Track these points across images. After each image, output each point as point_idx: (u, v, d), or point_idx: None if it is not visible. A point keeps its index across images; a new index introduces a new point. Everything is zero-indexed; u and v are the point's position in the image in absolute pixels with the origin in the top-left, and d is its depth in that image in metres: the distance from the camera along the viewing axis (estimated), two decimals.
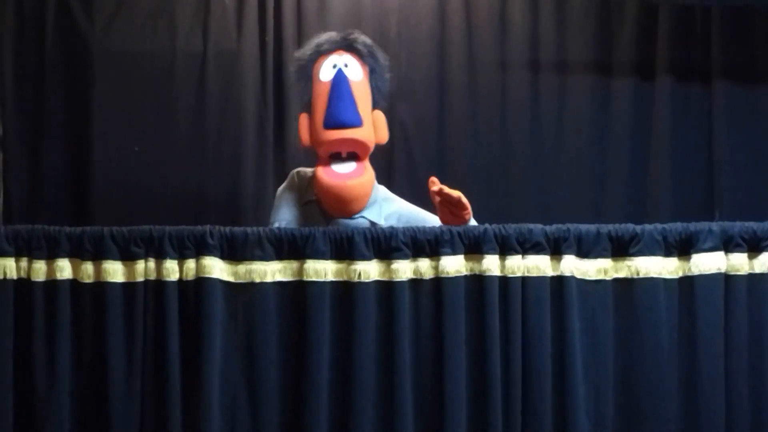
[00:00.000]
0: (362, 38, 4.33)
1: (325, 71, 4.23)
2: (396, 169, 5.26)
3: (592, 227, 4.08)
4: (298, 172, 4.43)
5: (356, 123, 4.17)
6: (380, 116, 4.29)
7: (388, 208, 4.36)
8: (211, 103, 5.27)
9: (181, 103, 5.26)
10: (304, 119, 4.26)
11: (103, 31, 5.25)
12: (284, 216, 4.30)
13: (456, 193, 4.16)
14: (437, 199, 4.19)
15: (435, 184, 4.16)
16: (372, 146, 4.24)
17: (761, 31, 5.36)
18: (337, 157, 4.20)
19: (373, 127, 4.24)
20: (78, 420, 3.92)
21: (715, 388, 4.03)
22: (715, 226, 4.09)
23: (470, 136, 5.35)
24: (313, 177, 4.31)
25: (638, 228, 4.08)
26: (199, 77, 5.27)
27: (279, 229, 4.03)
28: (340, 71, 4.21)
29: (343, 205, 4.21)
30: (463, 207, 4.16)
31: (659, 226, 4.10)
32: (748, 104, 5.36)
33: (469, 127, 5.35)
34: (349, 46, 4.28)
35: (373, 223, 4.26)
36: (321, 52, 4.27)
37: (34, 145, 5.21)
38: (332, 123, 4.15)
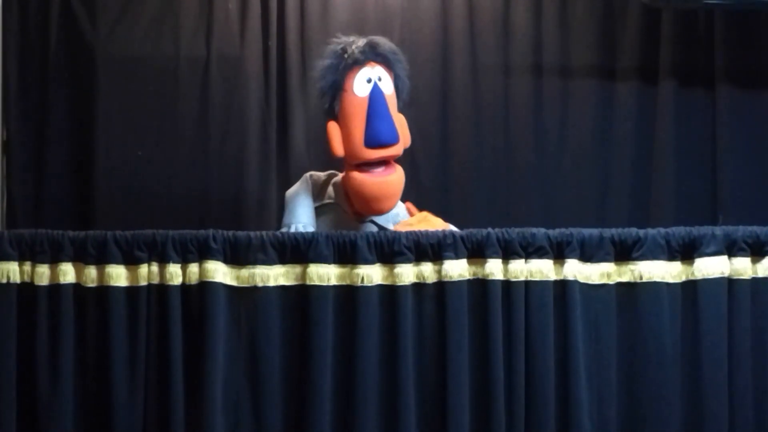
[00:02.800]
0: (388, 45, 4.38)
1: (360, 85, 4.27)
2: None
3: (595, 231, 4.08)
4: (311, 175, 4.47)
5: (395, 141, 4.26)
6: (403, 121, 4.36)
7: (393, 210, 4.38)
8: (214, 107, 5.27)
9: (185, 107, 5.26)
10: (335, 129, 4.29)
11: (106, 37, 5.25)
12: (302, 218, 4.33)
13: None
14: None
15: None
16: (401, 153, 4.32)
17: (764, 35, 5.36)
18: (367, 163, 4.26)
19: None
20: (81, 423, 3.93)
21: (718, 392, 4.03)
22: (719, 230, 4.10)
23: (473, 141, 5.35)
24: (329, 180, 4.40)
25: (641, 232, 4.08)
26: (203, 82, 5.27)
27: (282, 233, 4.04)
28: (376, 87, 4.26)
29: (381, 201, 4.27)
30: None
31: (662, 230, 4.10)
32: (752, 108, 5.35)
33: (472, 131, 5.35)
34: (379, 57, 4.31)
35: (381, 227, 4.29)
36: (354, 65, 4.28)
37: (37, 149, 5.21)
38: (375, 143, 4.23)
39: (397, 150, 4.29)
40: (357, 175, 4.25)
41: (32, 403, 3.91)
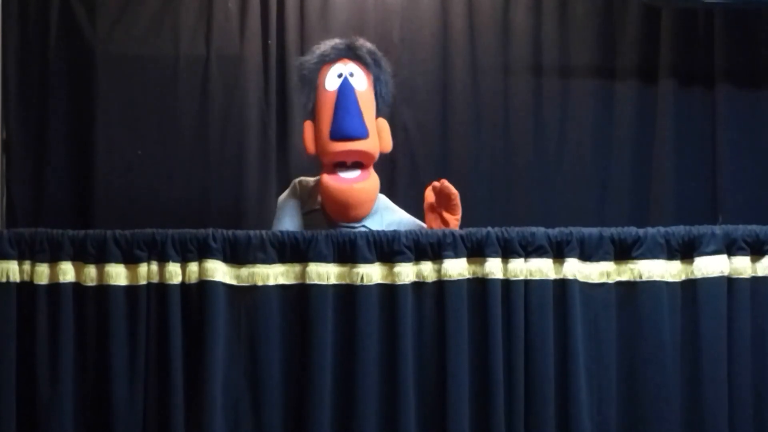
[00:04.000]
0: (367, 46, 4.34)
1: (331, 80, 4.24)
2: (399, 173, 5.26)
3: (594, 230, 4.07)
4: (300, 181, 4.44)
5: (362, 135, 4.19)
6: (384, 125, 4.30)
7: (389, 218, 4.38)
8: (214, 107, 5.27)
9: (184, 107, 5.27)
10: (309, 127, 4.27)
11: (106, 36, 5.26)
12: (287, 227, 4.31)
13: (448, 188, 4.21)
14: (429, 200, 4.26)
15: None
16: (377, 155, 4.26)
17: (764, 34, 5.37)
18: (342, 166, 4.22)
19: (377, 137, 4.25)
20: (80, 423, 3.92)
21: (718, 391, 4.02)
22: (718, 229, 4.09)
23: (473, 140, 5.36)
24: (318, 185, 4.34)
25: (641, 231, 4.08)
26: (202, 81, 5.28)
27: (282, 232, 4.04)
28: (345, 81, 4.23)
29: (348, 209, 4.22)
30: (451, 198, 4.21)
31: (662, 229, 4.10)
32: (751, 108, 5.36)
33: (471, 131, 5.36)
34: (353, 55, 4.28)
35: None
36: (326, 61, 4.27)
37: (37, 148, 5.22)
38: (339, 134, 4.17)
39: (364, 146, 4.19)
40: (326, 180, 4.20)
41: (32, 401, 3.91)
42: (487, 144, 5.38)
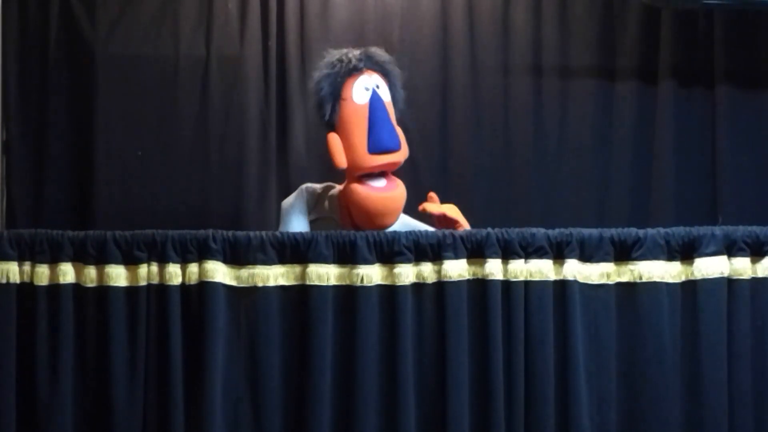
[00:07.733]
0: (384, 55, 4.39)
1: (359, 93, 4.27)
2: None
3: (594, 231, 4.08)
4: (306, 188, 4.46)
5: (398, 146, 4.26)
6: (401, 132, 4.35)
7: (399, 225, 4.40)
8: (214, 107, 5.27)
9: (184, 107, 5.26)
10: (336, 140, 4.27)
11: (106, 36, 5.25)
12: (295, 231, 4.32)
13: (438, 211, 4.23)
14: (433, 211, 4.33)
15: (429, 200, 4.33)
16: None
17: (764, 35, 5.36)
18: (369, 175, 4.25)
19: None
20: (80, 424, 3.93)
21: (718, 392, 4.03)
22: (718, 230, 4.10)
23: (473, 141, 5.35)
24: (325, 192, 4.39)
25: (641, 232, 4.08)
26: (202, 82, 5.27)
27: (281, 233, 4.04)
28: (375, 94, 4.27)
29: (383, 217, 4.24)
30: (451, 222, 4.25)
31: (662, 230, 4.11)
32: (751, 108, 5.35)
33: (471, 132, 5.35)
34: (375, 65, 4.32)
35: None
36: (351, 73, 4.29)
37: (37, 149, 5.21)
38: (379, 148, 4.22)
39: (400, 156, 4.28)
40: (360, 189, 4.22)
41: (32, 403, 3.91)
42: (486, 144, 5.37)
